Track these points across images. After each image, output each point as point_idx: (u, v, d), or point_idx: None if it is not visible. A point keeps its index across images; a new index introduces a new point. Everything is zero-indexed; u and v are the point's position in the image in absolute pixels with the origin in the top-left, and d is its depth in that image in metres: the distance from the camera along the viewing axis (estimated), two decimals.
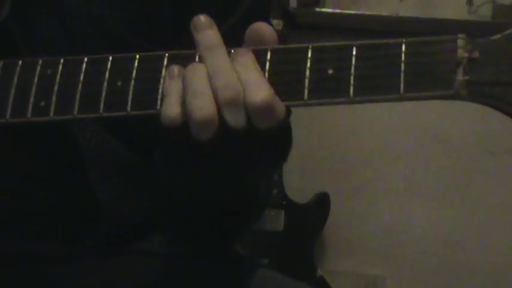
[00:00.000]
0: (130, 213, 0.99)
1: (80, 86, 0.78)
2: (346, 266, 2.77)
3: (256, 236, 2.50)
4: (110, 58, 0.78)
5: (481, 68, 0.67)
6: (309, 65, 0.72)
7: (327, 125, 2.69)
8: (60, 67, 0.79)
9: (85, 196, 0.97)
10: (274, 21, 2.44)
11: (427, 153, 2.74)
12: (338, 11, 2.72)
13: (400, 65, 0.69)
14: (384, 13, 2.71)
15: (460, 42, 0.68)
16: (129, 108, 0.76)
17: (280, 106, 0.73)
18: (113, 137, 0.96)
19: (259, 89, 0.72)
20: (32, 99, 0.79)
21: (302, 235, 2.60)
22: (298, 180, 2.62)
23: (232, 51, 0.75)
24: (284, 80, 0.73)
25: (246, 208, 0.99)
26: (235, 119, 0.73)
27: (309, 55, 0.72)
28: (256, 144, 0.77)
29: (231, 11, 0.98)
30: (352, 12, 2.73)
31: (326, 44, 0.72)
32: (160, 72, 0.76)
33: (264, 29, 0.76)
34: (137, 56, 0.78)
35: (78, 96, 0.78)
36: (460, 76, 0.67)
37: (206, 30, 0.77)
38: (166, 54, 0.77)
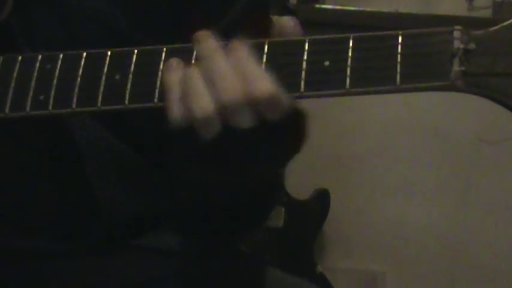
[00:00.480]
0: (130, 209, 0.99)
1: (78, 80, 0.78)
2: (346, 263, 2.77)
3: (256, 233, 2.50)
4: (109, 53, 0.79)
5: (477, 59, 0.67)
6: (305, 57, 0.72)
7: (327, 122, 2.68)
8: (59, 62, 0.80)
9: (84, 193, 0.97)
10: (274, 18, 2.44)
11: (427, 150, 2.74)
12: (338, 7, 2.72)
13: (396, 57, 0.69)
14: (384, 9, 2.71)
15: (456, 33, 0.68)
16: (126, 102, 0.77)
17: (284, 95, 0.73)
18: (111, 134, 0.96)
19: (260, 82, 0.73)
20: (31, 93, 0.80)
21: (302, 232, 2.60)
22: (298, 177, 2.61)
23: (228, 45, 0.75)
24: (281, 72, 0.73)
25: (260, 200, 0.99)
26: (241, 119, 0.73)
27: (306, 47, 0.73)
28: (267, 136, 0.77)
29: (230, 6, 0.98)
30: (352, 8, 2.73)
31: (323, 36, 0.73)
32: (159, 66, 0.77)
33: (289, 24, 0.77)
34: (135, 51, 0.78)
35: (76, 90, 0.78)
36: (456, 67, 0.68)
37: (202, 43, 0.77)
38: (164, 49, 0.77)
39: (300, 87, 0.72)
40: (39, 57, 0.81)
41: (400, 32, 0.70)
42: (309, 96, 0.73)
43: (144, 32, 0.93)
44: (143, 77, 0.77)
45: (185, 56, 0.76)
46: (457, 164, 2.73)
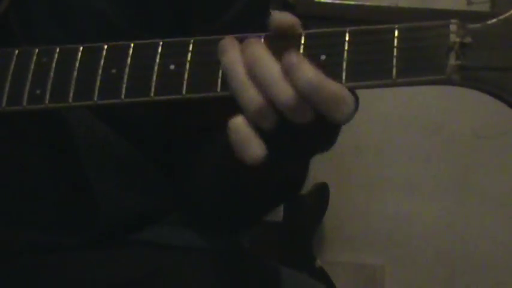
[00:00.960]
0: (129, 205, 0.99)
1: (75, 73, 0.78)
2: (346, 257, 2.77)
3: (256, 227, 2.49)
4: (105, 46, 0.79)
5: (473, 53, 0.67)
6: (302, 51, 0.72)
7: None
8: (56, 55, 0.80)
9: (83, 188, 0.97)
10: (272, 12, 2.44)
11: (426, 145, 2.74)
12: (337, 1, 2.72)
13: (392, 50, 0.69)
14: (384, 4, 2.70)
15: (452, 27, 0.68)
16: (123, 96, 0.77)
17: (348, 95, 0.71)
18: (110, 130, 0.96)
19: (343, 104, 0.70)
20: (27, 87, 0.80)
21: (301, 226, 2.60)
22: None
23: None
24: None
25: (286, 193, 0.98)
26: (300, 119, 0.71)
27: (302, 41, 0.72)
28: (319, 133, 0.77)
29: (232, 3, 0.98)
30: (352, 2, 2.72)
31: (319, 30, 0.72)
32: (155, 60, 0.77)
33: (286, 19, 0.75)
34: (132, 44, 0.78)
35: (73, 84, 0.78)
36: (452, 61, 0.67)
37: (252, 45, 0.74)
38: (161, 42, 0.77)
39: None
40: (36, 51, 0.81)
41: (397, 26, 0.70)
42: None
43: (144, 30, 0.93)
44: (140, 70, 0.77)
45: (181, 49, 0.76)
46: (456, 158, 2.73)
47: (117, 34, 0.93)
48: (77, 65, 0.79)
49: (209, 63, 0.75)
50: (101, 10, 0.94)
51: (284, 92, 0.70)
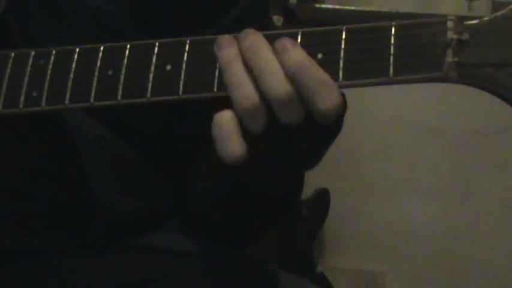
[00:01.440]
0: (129, 208, 0.99)
1: (71, 75, 0.78)
2: (346, 262, 2.77)
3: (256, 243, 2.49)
4: (101, 48, 0.79)
5: (470, 50, 0.67)
6: None
7: None
8: (53, 57, 0.80)
9: (83, 191, 0.97)
10: (274, 17, 2.44)
11: (426, 149, 2.74)
12: (338, 6, 2.72)
13: (389, 48, 0.69)
14: (384, 9, 2.71)
15: (449, 23, 0.68)
16: (119, 97, 0.76)
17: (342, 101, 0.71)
18: (110, 133, 0.96)
19: (324, 93, 0.70)
20: (24, 90, 0.80)
21: (302, 231, 2.59)
22: None
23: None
24: None
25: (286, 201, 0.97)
26: (290, 118, 0.71)
27: (299, 40, 0.72)
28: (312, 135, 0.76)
29: (230, 6, 0.98)
30: (352, 8, 2.73)
31: (315, 28, 0.72)
32: (151, 61, 0.76)
33: None
34: (128, 45, 0.78)
35: (69, 86, 0.78)
36: (449, 58, 0.67)
37: (249, 37, 0.74)
38: (157, 43, 0.77)
39: None
40: (32, 53, 0.81)
41: (394, 23, 0.70)
42: None
43: (142, 31, 0.93)
44: (136, 71, 0.77)
45: (178, 50, 0.76)
46: (456, 163, 2.73)
47: (115, 34, 0.93)
48: (74, 66, 0.79)
49: (206, 63, 0.75)
50: (99, 9, 0.94)
51: (279, 83, 0.70)
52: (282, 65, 0.70)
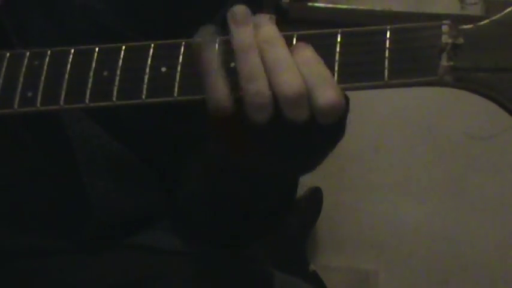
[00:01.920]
0: (122, 208, 0.99)
1: (66, 76, 0.78)
2: (339, 261, 2.77)
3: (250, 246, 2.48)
4: (97, 49, 0.79)
5: (465, 54, 0.67)
6: None
7: None
8: (47, 58, 0.80)
9: (76, 190, 0.97)
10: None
11: (420, 148, 2.74)
12: (331, 5, 2.72)
13: (384, 52, 0.69)
14: (377, 8, 2.71)
15: (444, 28, 0.68)
16: (114, 98, 0.76)
17: (343, 102, 0.71)
18: (104, 132, 0.96)
19: (326, 89, 0.70)
20: (19, 90, 0.80)
21: (294, 230, 2.59)
22: None
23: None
24: None
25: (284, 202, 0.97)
26: (296, 115, 0.71)
27: (294, 43, 0.72)
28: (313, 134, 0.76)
29: (223, 3, 0.98)
30: (345, 6, 2.72)
31: (310, 31, 0.72)
32: (146, 62, 0.77)
33: None
34: (123, 47, 0.78)
35: (64, 87, 0.78)
36: (444, 62, 0.67)
37: (265, 26, 0.73)
38: (152, 45, 0.77)
39: None
40: (27, 53, 0.81)
41: (389, 27, 0.70)
42: None
43: (137, 30, 0.93)
44: (131, 73, 0.77)
45: (173, 51, 0.76)
46: (450, 162, 2.73)
47: (109, 33, 0.93)
48: (69, 67, 0.79)
49: None
50: (94, 8, 0.94)
51: (293, 79, 0.69)
52: (293, 55, 0.70)
